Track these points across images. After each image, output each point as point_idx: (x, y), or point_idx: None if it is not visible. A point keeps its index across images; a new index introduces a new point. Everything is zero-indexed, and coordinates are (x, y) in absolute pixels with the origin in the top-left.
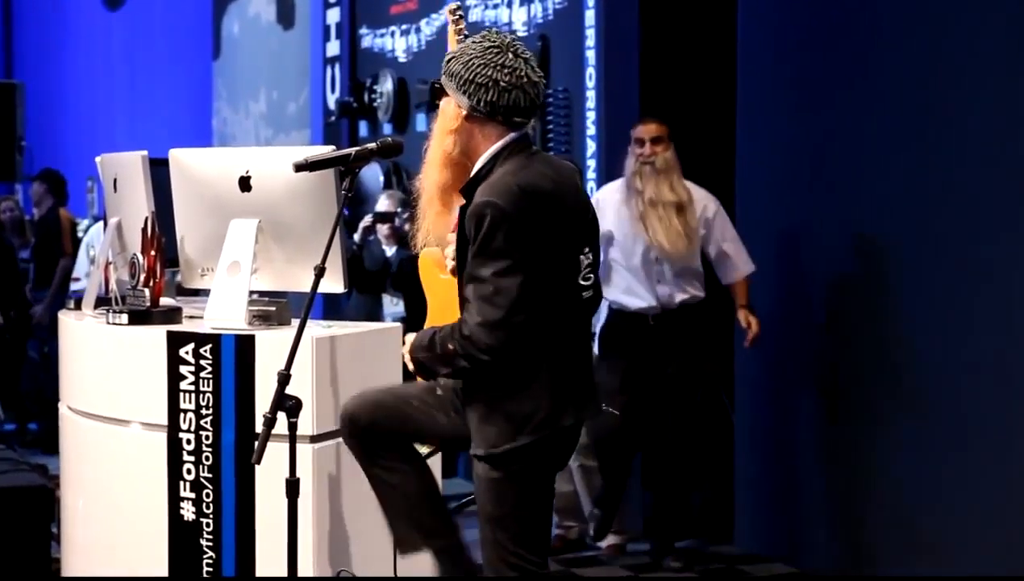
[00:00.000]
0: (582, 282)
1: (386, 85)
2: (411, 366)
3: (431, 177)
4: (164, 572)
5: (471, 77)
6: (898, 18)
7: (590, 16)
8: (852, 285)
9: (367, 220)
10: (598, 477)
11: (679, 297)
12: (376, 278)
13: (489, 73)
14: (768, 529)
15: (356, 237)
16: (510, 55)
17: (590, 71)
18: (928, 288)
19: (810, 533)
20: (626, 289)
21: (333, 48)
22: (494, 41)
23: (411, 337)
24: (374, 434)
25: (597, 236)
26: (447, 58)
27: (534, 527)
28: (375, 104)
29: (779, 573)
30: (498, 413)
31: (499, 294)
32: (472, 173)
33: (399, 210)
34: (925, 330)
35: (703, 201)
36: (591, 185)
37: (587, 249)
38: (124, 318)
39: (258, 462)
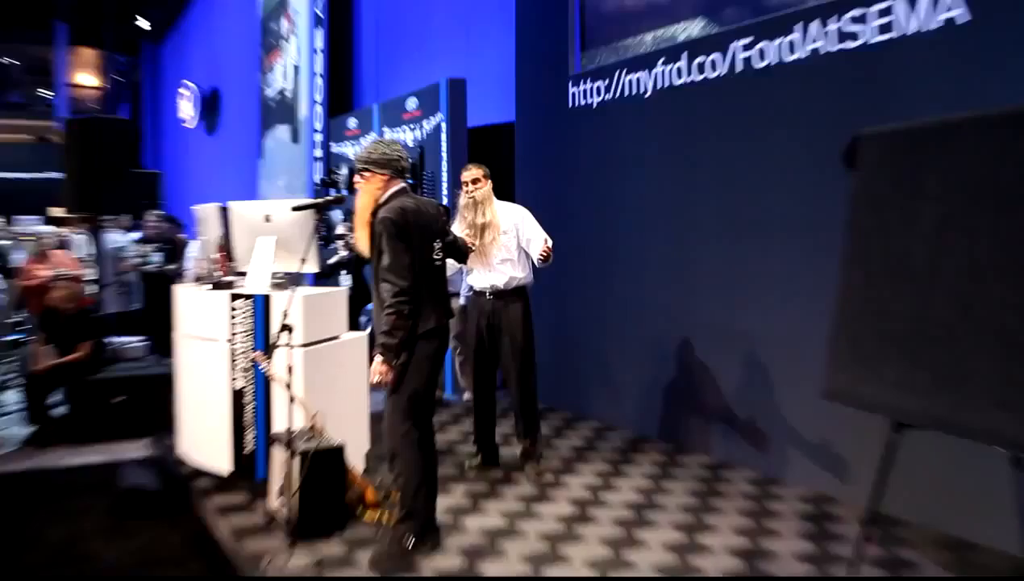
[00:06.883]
0: (435, 257)
1: (343, 170)
2: (380, 365)
3: (362, 214)
4: (228, 418)
5: (380, 160)
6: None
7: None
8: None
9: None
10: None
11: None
12: (335, 269)
13: (388, 155)
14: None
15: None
16: (391, 146)
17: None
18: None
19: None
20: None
21: (318, 153)
22: (384, 141)
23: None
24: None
25: (447, 234)
26: (367, 154)
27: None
28: (337, 179)
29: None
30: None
31: (397, 271)
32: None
33: (347, 232)
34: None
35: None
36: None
37: (438, 240)
38: (209, 286)
39: (270, 357)
